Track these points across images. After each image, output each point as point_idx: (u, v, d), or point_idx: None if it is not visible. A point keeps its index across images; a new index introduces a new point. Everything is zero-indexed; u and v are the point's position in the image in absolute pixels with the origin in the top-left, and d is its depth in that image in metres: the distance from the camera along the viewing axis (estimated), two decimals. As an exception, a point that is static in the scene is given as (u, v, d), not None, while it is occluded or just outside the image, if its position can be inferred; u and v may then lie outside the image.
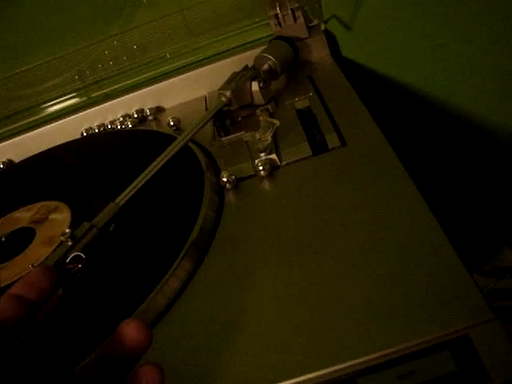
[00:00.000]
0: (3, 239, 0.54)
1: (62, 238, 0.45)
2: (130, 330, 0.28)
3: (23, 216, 0.57)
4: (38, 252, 0.50)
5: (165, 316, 0.39)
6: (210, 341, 0.36)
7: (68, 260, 0.44)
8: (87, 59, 0.72)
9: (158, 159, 0.50)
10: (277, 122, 0.49)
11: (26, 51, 0.72)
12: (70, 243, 0.44)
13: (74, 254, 0.44)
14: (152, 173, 0.49)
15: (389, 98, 0.75)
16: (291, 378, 0.31)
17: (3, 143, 0.75)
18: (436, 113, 0.76)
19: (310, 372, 0.31)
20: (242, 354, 0.34)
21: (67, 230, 0.45)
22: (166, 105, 0.71)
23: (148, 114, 0.69)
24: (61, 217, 0.53)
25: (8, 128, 0.77)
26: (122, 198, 0.47)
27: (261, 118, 0.50)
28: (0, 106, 0.75)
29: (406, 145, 0.49)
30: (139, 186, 0.48)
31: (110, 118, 0.71)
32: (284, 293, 0.37)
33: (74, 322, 0.42)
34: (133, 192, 0.48)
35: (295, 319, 0.35)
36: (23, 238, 0.52)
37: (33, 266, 0.44)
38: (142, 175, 0.49)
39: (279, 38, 0.65)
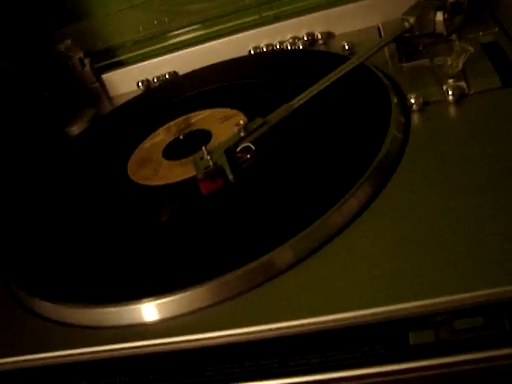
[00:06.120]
0: (181, 137, 0.58)
1: (236, 129, 0.47)
2: None
3: (199, 118, 0.60)
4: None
5: (336, 237, 0.38)
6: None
7: (238, 149, 0.47)
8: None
9: (334, 73, 0.49)
10: (471, 49, 0.48)
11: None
12: (242, 134, 0.46)
13: (245, 144, 0.47)
14: (327, 83, 0.49)
15: None
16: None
17: (170, 55, 0.78)
18: None
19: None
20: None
21: (241, 122, 0.47)
22: (336, 31, 0.69)
23: (319, 37, 0.69)
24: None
25: (176, 40, 0.79)
26: (296, 101, 0.48)
27: (456, 42, 0.50)
28: (169, 19, 0.78)
29: None
30: (315, 92, 0.48)
31: (279, 39, 0.71)
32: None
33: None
34: (308, 97, 0.48)
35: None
36: (200, 138, 0.55)
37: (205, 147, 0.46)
38: (317, 84, 0.49)
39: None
